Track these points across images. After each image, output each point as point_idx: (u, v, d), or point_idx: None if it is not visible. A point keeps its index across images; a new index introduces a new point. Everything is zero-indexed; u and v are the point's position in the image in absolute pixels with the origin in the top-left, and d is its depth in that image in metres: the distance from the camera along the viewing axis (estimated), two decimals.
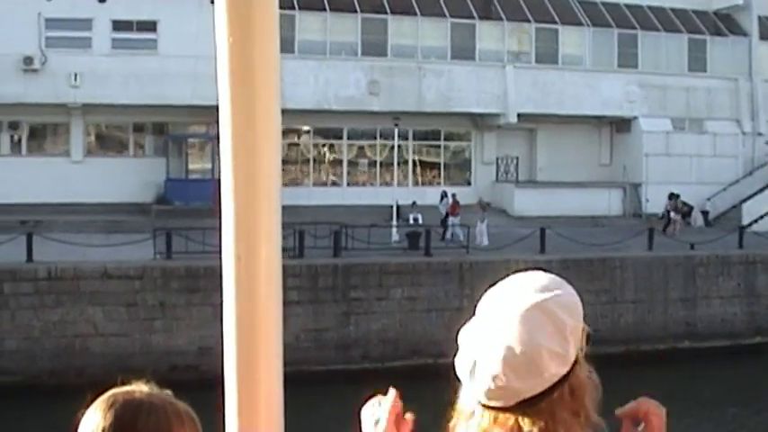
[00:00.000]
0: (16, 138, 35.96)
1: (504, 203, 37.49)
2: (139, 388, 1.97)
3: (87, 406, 1.93)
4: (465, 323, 2.01)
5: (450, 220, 32.15)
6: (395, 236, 30.96)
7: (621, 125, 39.76)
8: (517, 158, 39.14)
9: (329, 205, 35.02)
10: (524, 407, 1.90)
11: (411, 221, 34.24)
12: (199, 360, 25.39)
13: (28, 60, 33.27)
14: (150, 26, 34.87)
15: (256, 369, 1.89)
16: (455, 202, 32.69)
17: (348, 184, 38.10)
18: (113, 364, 24.67)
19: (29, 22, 33.45)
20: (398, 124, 33.05)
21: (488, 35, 37.65)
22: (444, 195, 33.48)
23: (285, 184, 36.67)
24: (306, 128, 37.86)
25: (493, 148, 39.17)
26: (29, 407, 23.03)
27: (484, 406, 1.92)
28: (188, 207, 33.52)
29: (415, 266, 27.59)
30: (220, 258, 1.88)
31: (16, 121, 35.43)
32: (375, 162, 38.42)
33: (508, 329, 1.89)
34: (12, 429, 23.60)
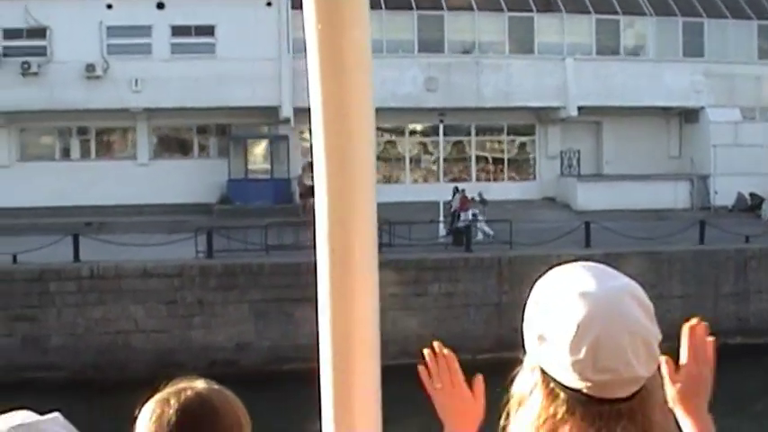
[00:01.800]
0: (85, 142, 37.36)
1: (568, 198, 37.15)
2: (199, 382, 2.05)
3: (147, 399, 2.02)
4: (520, 319, 1.99)
5: (462, 215, 32.02)
6: (442, 232, 31.01)
7: (689, 116, 38.94)
8: (579, 152, 38.67)
9: (392, 202, 35.24)
10: (639, 395, 1.85)
11: (470, 217, 34.22)
12: (237, 356, 25.98)
13: (90, 68, 34.51)
14: (208, 30, 35.74)
15: (352, 362, 1.85)
16: (464, 198, 32.54)
17: (414, 181, 38.31)
18: (154, 360, 25.42)
19: (91, 31, 34.73)
20: (443, 120, 33.09)
21: (547, 28, 37.37)
22: (456, 191, 33.35)
23: None
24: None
25: (557, 141, 38.84)
26: (74, 401, 23.92)
27: (593, 399, 1.83)
28: (248, 207, 34.24)
29: (452, 262, 27.65)
30: (314, 252, 1.91)
31: (84, 127, 36.82)
32: (437, 159, 38.57)
33: (620, 315, 1.83)
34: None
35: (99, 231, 30.86)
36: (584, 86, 36.67)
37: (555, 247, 28.29)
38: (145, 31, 35.24)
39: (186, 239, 27.66)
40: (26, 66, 34.23)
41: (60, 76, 34.37)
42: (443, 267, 27.41)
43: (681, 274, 28.58)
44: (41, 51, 34.91)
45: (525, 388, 1.93)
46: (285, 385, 23.73)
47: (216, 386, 2.07)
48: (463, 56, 36.18)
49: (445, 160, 38.37)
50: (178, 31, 35.65)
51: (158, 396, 2.03)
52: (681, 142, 39.70)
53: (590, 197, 36.31)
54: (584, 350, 1.80)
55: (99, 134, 37.50)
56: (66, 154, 37.32)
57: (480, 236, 30.62)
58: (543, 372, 1.90)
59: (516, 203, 36.28)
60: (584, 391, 1.82)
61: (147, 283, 26.17)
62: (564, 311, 1.84)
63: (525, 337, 1.93)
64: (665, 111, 38.70)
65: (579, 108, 36.79)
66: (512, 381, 1.99)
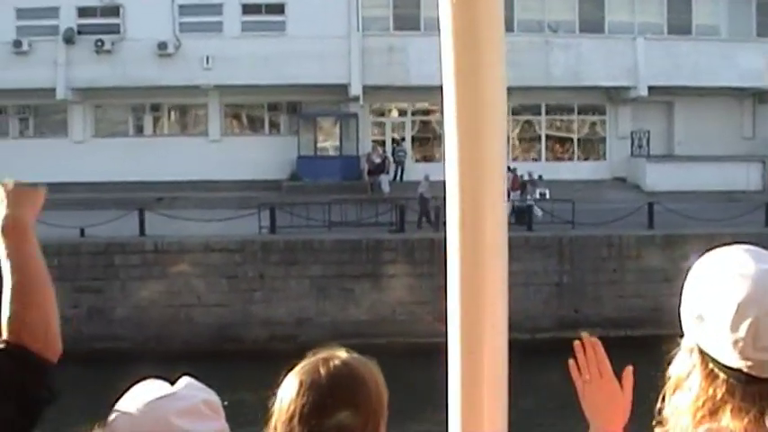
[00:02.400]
0: (158, 119, 38.10)
1: (638, 178, 36.78)
2: (342, 352, 2.14)
3: (290, 369, 2.10)
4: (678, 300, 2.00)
5: (510, 195, 31.86)
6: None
7: (763, 97, 38.18)
8: (648, 132, 38.21)
9: None
10: None
11: (537, 196, 34.17)
12: (296, 330, 26.29)
13: (162, 45, 35.11)
14: (278, 8, 36.13)
15: (481, 337, 1.85)
16: (515, 177, 32.40)
17: None
18: (215, 333, 25.93)
19: (163, 9, 35.35)
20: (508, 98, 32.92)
21: (618, 7, 36.94)
22: (507, 170, 33.19)
23: (418, 160, 37.64)
24: (436, 105, 38.30)
25: (628, 121, 38.42)
26: (138, 371, 24.51)
27: (753, 378, 1.82)
28: (316, 183, 34.58)
29: (513, 241, 27.25)
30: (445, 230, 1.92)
31: (157, 103, 37.53)
32: (507, 138, 38.42)
33: None
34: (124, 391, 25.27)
35: (170, 206, 31.46)
36: (654, 66, 36.18)
37: (617, 228, 28.12)
38: (216, 9, 35.78)
39: (250, 215, 28.07)
40: (100, 43, 34.98)
41: (133, 54, 35.05)
42: None
43: None
44: (115, 29, 35.69)
45: (683, 369, 1.92)
46: None
47: (357, 355, 2.14)
48: (533, 35, 35.95)
49: (516, 140, 38.32)
50: (249, 9, 36.15)
51: (305, 364, 2.11)
52: (755, 123, 38.99)
53: (659, 178, 35.92)
54: (744, 328, 1.79)
55: (171, 111, 38.22)
56: (139, 130, 38.11)
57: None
58: (702, 353, 1.89)
59: (585, 183, 36.07)
60: (745, 370, 1.80)
61: (210, 257, 26.63)
62: (724, 291, 1.85)
63: (683, 319, 1.93)
64: (739, 91, 37.97)
65: (650, 88, 36.33)
66: (668, 364, 1.98)
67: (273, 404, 2.11)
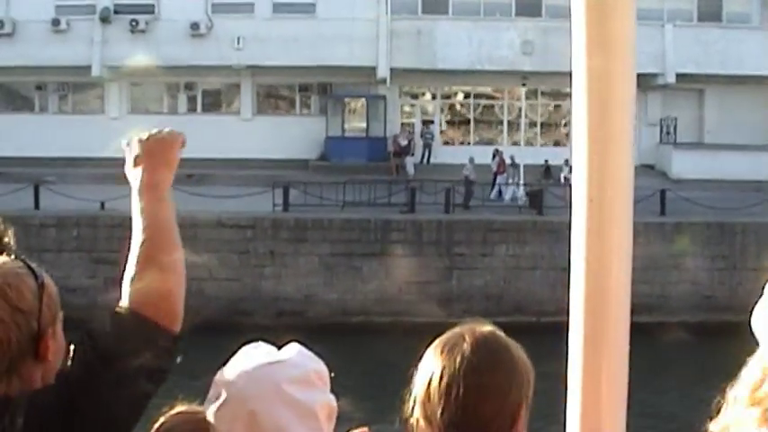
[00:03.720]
0: (192, 98, 38.99)
1: (665, 166, 36.71)
2: (477, 326, 2.04)
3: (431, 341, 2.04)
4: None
5: (498, 178, 32.07)
6: (521, 194, 31.30)
7: None
8: (676, 119, 38.03)
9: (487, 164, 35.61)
10: None
11: (562, 180, 34.38)
12: (304, 306, 26.93)
13: (195, 26, 35.92)
14: None
15: (604, 309, 1.83)
16: (501, 161, 32.56)
17: (513, 144, 38.50)
18: (226, 307, 26.60)
19: None
20: (526, 84, 33.19)
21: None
22: (495, 154, 33.38)
23: (446, 143, 38.04)
24: (465, 88, 38.66)
25: (657, 108, 38.26)
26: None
27: None
28: (343, 164, 35.11)
29: (519, 224, 27.92)
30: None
31: (191, 82, 38.38)
32: (535, 123, 38.64)
33: None
34: None
35: (200, 183, 32.25)
36: (683, 53, 36.05)
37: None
38: None
39: (264, 193, 28.74)
40: (134, 23, 35.90)
41: (166, 34, 35.93)
42: (511, 229, 27.70)
43: (756, 246, 28.06)
44: (149, 9, 36.60)
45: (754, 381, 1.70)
46: (352, 337, 24.67)
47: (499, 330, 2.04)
48: (561, 20, 35.91)
49: (542, 125, 38.47)
50: None
51: (450, 334, 2.04)
52: None
53: (686, 166, 35.78)
54: None
55: (205, 90, 39.05)
56: (173, 108, 38.99)
57: (507, 198, 31.01)
58: None
59: None
60: None
61: (222, 233, 27.33)
62: None
63: (756, 331, 1.79)
64: None
65: (679, 75, 36.20)
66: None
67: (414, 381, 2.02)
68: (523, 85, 33.48)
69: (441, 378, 1.94)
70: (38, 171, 32.58)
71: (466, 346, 1.96)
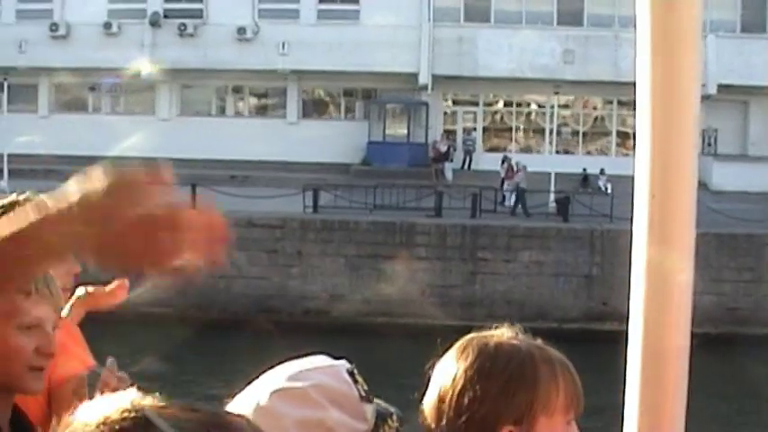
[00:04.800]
0: (239, 100, 40.01)
1: (706, 177, 36.59)
2: (500, 332, 1.92)
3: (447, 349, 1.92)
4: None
5: (505, 185, 32.21)
6: (551, 202, 31.54)
7: None
8: (716, 131, 37.85)
9: (532, 172, 35.87)
10: None
11: (603, 189, 34.58)
12: (330, 306, 27.50)
13: (241, 30, 36.86)
14: None
15: (666, 305, 1.79)
16: (509, 168, 32.70)
17: (556, 152, 38.68)
18: (253, 304, 27.30)
19: None
20: (558, 92, 33.41)
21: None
22: (504, 160, 33.57)
23: (488, 150, 38.42)
24: (506, 96, 39.01)
25: (701, 119, 38.11)
26: (179, 335, 26.18)
27: None
28: (384, 168, 35.67)
29: (543, 231, 28.15)
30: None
31: (239, 86, 39.36)
32: (578, 132, 38.84)
33: None
34: (166, 352, 26.95)
35: (242, 184, 33.10)
36: (725, 64, 35.84)
37: None
38: None
39: (295, 195, 29.46)
40: (183, 27, 36.95)
41: (214, 38, 36.91)
42: (535, 235, 27.97)
43: None
44: (198, 14, 37.63)
45: None
46: (374, 337, 25.19)
47: (524, 337, 1.93)
48: (602, 29, 36.16)
49: (584, 134, 38.62)
50: None
51: (470, 338, 1.92)
52: None
53: (727, 177, 35.61)
54: None
55: (252, 93, 39.99)
56: (221, 111, 39.99)
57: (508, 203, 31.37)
58: None
59: None
60: None
61: (252, 232, 28.03)
62: None
63: None
64: None
65: (721, 86, 36.05)
66: None
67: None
68: (556, 93, 33.69)
69: (456, 384, 1.83)
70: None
71: (484, 352, 1.84)
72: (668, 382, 1.79)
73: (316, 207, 29.01)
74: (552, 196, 31.89)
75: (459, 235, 27.95)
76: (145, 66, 36.33)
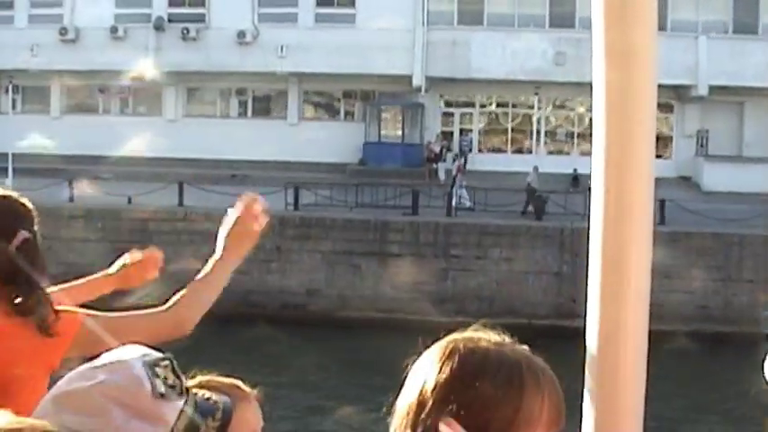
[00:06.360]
0: (243, 102, 41.13)
1: (697, 178, 36.90)
2: (486, 335, 1.76)
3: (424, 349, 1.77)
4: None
5: (457, 181, 32.71)
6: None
7: None
8: (707, 131, 38.07)
9: (524, 172, 36.42)
10: None
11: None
12: (307, 300, 28.39)
13: (241, 34, 37.91)
14: (350, 2, 38.45)
15: (622, 304, 1.75)
16: (459, 166, 33.20)
17: (549, 153, 39.23)
18: (233, 298, 27.84)
19: (245, 1, 38.22)
20: (538, 93, 33.99)
21: (682, 5, 36.91)
22: (455, 158, 34.06)
23: (481, 151, 39.06)
24: (501, 97, 39.62)
25: (695, 120, 38.43)
26: None
27: None
28: (379, 168, 36.51)
29: (515, 229, 28.75)
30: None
31: (243, 88, 40.47)
32: (572, 133, 39.31)
33: None
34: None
35: (242, 183, 34.11)
36: (717, 65, 36.08)
37: None
38: (292, 1, 38.35)
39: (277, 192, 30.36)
40: (186, 31, 38.11)
41: (215, 41, 38.04)
42: (506, 234, 28.58)
43: (753, 258, 28.23)
44: (200, 18, 38.79)
45: None
46: (349, 330, 26.05)
47: (508, 341, 1.79)
48: None
49: (579, 135, 39.06)
50: (322, 1, 38.63)
51: (446, 341, 1.77)
52: None
53: (718, 178, 35.87)
54: None
55: (255, 95, 41.09)
56: (225, 112, 41.12)
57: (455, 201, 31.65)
58: None
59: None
60: None
61: None
62: None
63: None
64: None
65: (714, 87, 36.29)
66: None
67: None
68: (536, 94, 34.30)
69: (437, 391, 1.68)
70: (98, 168, 35.00)
71: (470, 360, 1.70)
72: (626, 377, 1.77)
73: (296, 205, 29.89)
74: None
75: (432, 233, 28.69)
76: (150, 69, 37.56)
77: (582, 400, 1.80)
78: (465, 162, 38.12)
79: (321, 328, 26.48)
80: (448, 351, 1.70)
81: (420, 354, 1.77)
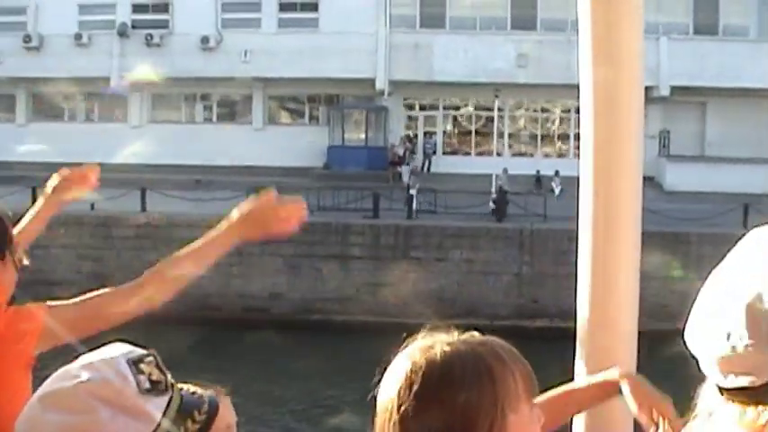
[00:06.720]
0: (208, 108, 41.24)
1: (659, 178, 37.18)
2: (451, 338, 1.73)
3: (398, 349, 1.75)
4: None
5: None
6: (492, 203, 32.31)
7: None
8: (668, 132, 38.41)
9: (488, 174, 36.64)
10: None
11: (557, 191, 35.39)
12: (269, 304, 28.48)
13: (205, 40, 38.05)
14: (312, 6, 38.65)
15: (611, 304, 1.77)
16: (413, 168, 33.55)
17: (513, 155, 39.46)
18: (196, 302, 28.29)
19: (208, 6, 38.31)
20: (498, 95, 34.24)
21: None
22: (408, 161, 34.41)
23: (447, 153, 39.28)
24: (465, 100, 39.88)
25: (658, 121, 38.70)
26: (126, 332, 27.31)
27: (724, 391, 1.37)
28: (343, 172, 36.65)
29: (475, 231, 28.92)
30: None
31: (207, 93, 40.55)
32: (536, 134, 39.60)
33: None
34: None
35: (207, 189, 34.18)
36: (678, 66, 36.39)
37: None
38: (255, 6, 38.59)
39: (239, 197, 30.41)
40: (149, 37, 38.22)
41: (179, 47, 38.14)
42: (466, 235, 28.76)
43: (710, 257, 28.38)
44: (164, 24, 38.92)
45: None
46: (313, 333, 26.18)
47: (476, 338, 1.75)
48: (555, 33, 36.83)
49: (542, 137, 39.36)
50: (285, 6, 38.90)
51: (417, 344, 1.74)
52: None
53: (680, 178, 36.16)
54: None
55: (220, 100, 41.20)
56: (191, 118, 41.20)
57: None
58: None
59: None
60: None
61: (194, 232, 28.84)
62: None
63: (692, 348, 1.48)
64: None
65: (675, 88, 36.60)
66: None
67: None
68: (496, 96, 34.53)
69: (404, 391, 1.65)
70: None
71: (409, 370, 1.67)
72: (616, 354, 1.74)
73: None
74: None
75: (392, 235, 28.85)
76: (116, 76, 37.71)
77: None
78: (429, 164, 38.42)
79: (284, 331, 26.61)
80: (412, 361, 1.68)
81: (383, 370, 1.73)
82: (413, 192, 31.79)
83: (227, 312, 27.78)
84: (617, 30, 1.74)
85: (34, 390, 1.64)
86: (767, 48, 36.99)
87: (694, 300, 1.48)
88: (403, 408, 1.64)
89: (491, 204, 31.69)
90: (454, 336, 1.73)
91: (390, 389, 1.69)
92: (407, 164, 36.97)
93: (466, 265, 28.49)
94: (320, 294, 28.38)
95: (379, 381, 1.73)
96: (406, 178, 36.53)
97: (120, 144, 37.85)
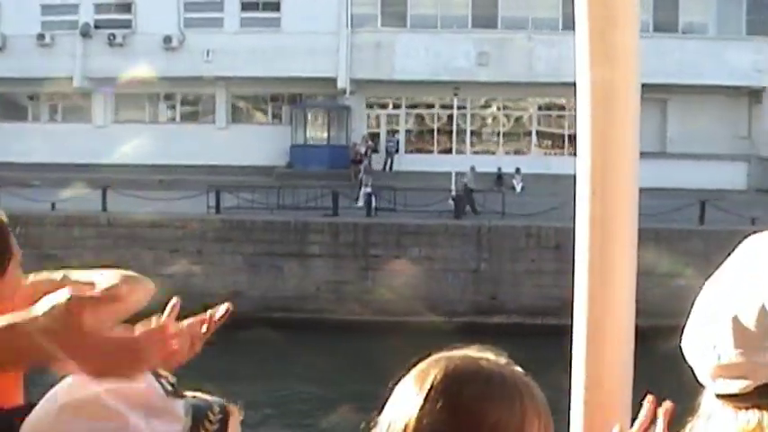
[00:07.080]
0: (171, 107, 41.33)
1: None
2: (481, 354, 1.62)
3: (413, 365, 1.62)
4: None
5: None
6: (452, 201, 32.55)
7: (759, 96, 38.11)
8: None
9: (449, 172, 36.82)
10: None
11: (518, 189, 35.68)
12: (230, 302, 28.60)
13: (167, 39, 38.13)
14: (274, 6, 38.80)
15: (607, 303, 1.75)
16: (365, 167, 33.84)
17: (475, 153, 39.70)
18: (156, 301, 28.41)
19: (170, 6, 38.39)
20: (458, 94, 34.50)
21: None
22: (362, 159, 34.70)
23: (410, 152, 39.50)
24: (427, 98, 40.13)
25: None
26: None
27: (719, 397, 1.35)
28: (306, 170, 36.84)
29: (433, 228, 29.15)
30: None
31: (171, 93, 40.61)
32: (498, 132, 39.86)
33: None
34: None
35: (170, 188, 34.26)
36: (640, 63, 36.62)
37: (544, 220, 29.17)
38: (217, 6, 38.69)
39: (199, 196, 30.62)
40: (112, 37, 38.27)
41: (142, 47, 38.16)
42: (424, 232, 28.97)
43: (668, 253, 28.72)
44: (126, 24, 38.94)
45: None
46: (275, 331, 26.30)
47: (504, 360, 1.63)
48: (516, 31, 37.11)
49: (505, 135, 39.64)
50: (247, 6, 39.06)
51: (426, 364, 1.61)
52: (750, 122, 38.96)
53: (642, 174, 34.75)
54: None
55: (184, 100, 41.28)
56: (154, 117, 41.26)
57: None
58: None
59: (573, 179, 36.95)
60: None
61: (156, 232, 29.21)
62: None
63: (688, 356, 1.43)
64: (733, 90, 38.05)
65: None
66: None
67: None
68: (455, 94, 34.78)
69: (414, 416, 1.55)
70: (28, 175, 34.97)
71: (439, 380, 1.56)
72: (612, 379, 1.73)
73: (218, 208, 30.14)
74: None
75: (351, 233, 29.03)
76: (78, 76, 37.74)
77: (569, 408, 1.81)
78: (392, 163, 38.65)
79: (245, 329, 26.71)
80: (416, 377, 1.59)
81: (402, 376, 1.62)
82: (368, 190, 32.01)
83: (187, 311, 27.38)
84: (613, 28, 1.77)
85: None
86: (727, 45, 37.41)
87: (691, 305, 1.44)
88: (425, 421, 1.54)
89: (450, 202, 31.87)
90: (501, 358, 1.62)
91: (413, 401, 1.56)
92: (362, 162, 37.04)
93: (425, 262, 28.69)
94: (280, 292, 28.53)
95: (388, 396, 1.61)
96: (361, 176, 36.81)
97: (85, 144, 37.99)
